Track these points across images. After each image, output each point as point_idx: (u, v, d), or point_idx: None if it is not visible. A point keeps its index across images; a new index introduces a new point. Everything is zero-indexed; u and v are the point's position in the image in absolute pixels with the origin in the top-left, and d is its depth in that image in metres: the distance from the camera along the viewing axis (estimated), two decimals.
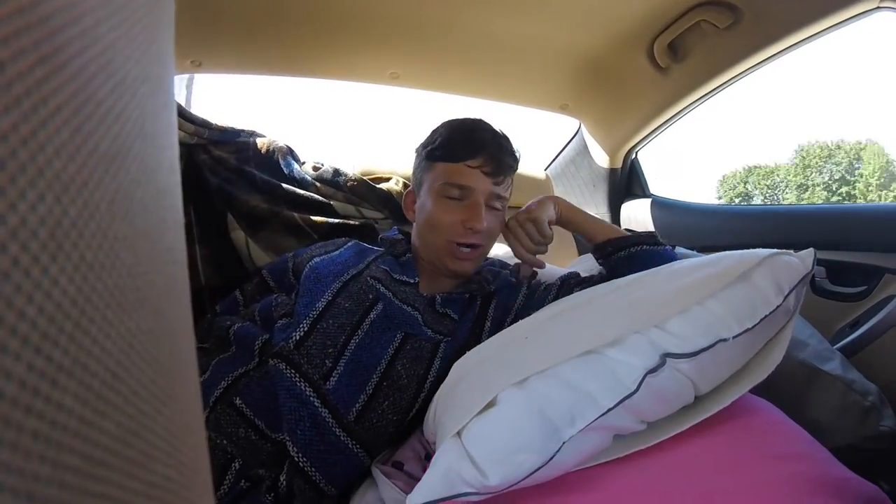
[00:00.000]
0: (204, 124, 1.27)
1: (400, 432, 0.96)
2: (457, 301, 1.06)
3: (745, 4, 1.29)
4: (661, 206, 1.93)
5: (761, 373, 0.75)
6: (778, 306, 0.73)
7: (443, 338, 0.99)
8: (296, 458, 0.82)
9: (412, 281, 1.07)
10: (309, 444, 0.83)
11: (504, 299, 1.10)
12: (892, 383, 0.99)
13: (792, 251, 0.82)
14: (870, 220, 1.24)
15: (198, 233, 1.30)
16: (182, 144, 1.25)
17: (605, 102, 1.91)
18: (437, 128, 1.15)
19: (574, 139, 2.22)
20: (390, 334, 0.96)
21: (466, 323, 1.04)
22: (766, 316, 0.72)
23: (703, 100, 1.64)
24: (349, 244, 1.15)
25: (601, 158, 2.09)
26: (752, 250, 0.81)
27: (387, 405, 0.91)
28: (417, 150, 1.17)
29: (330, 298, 0.96)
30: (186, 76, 1.68)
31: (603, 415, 0.64)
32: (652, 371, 0.67)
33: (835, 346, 1.14)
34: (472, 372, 0.81)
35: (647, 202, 1.99)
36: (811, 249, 0.82)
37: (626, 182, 2.12)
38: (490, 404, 0.70)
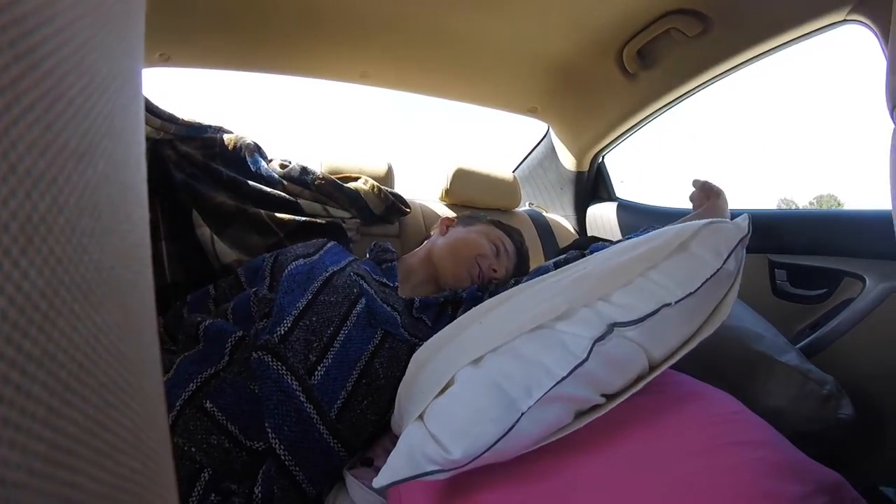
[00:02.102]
0: (171, 119, 1.25)
1: (377, 434, 0.96)
2: (432, 306, 1.11)
3: (715, 13, 1.32)
4: (627, 210, 1.96)
5: (707, 329, 0.78)
6: (718, 269, 0.76)
7: (418, 341, 0.99)
8: (282, 456, 0.80)
9: (391, 284, 1.13)
10: (294, 441, 0.82)
11: (471, 307, 1.12)
12: (850, 382, 1.01)
13: (727, 219, 0.85)
14: (830, 225, 1.27)
15: (164, 229, 1.28)
16: (147, 139, 1.23)
17: (573, 107, 1.93)
18: None
19: (542, 142, 2.24)
20: (371, 331, 0.97)
21: (439, 329, 1.05)
22: (707, 279, 0.75)
23: (670, 106, 1.67)
24: (329, 246, 1.16)
25: (568, 162, 2.11)
26: (689, 223, 0.84)
27: (366, 404, 0.91)
28: (482, 216, 1.49)
29: (311, 297, 0.96)
30: None
31: (558, 384, 0.65)
32: (600, 339, 0.69)
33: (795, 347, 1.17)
34: (431, 359, 0.81)
35: (612, 205, 2.02)
36: (745, 214, 0.85)
37: (592, 185, 2.15)
38: (448, 384, 0.71)
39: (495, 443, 0.62)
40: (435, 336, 0.87)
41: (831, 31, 1.18)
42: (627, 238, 1.15)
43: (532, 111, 2.04)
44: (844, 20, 1.12)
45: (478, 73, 1.78)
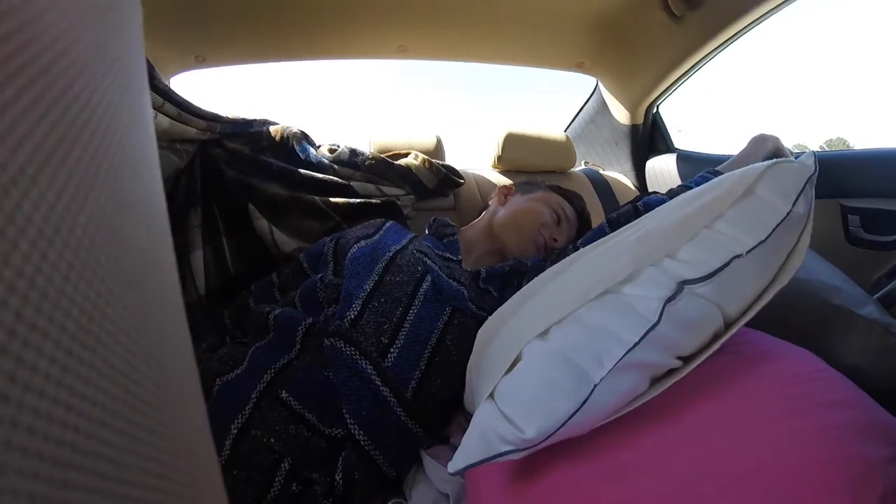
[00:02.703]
0: (215, 118, 1.26)
1: (453, 412, 0.96)
2: (497, 276, 1.10)
3: None
4: (687, 160, 1.89)
5: (783, 278, 0.74)
6: (788, 213, 0.72)
7: (486, 314, 0.97)
8: (361, 442, 0.81)
9: (455, 258, 1.13)
10: (373, 425, 0.82)
11: (535, 275, 1.10)
12: None
13: (792, 158, 0.80)
14: None
15: (223, 226, 1.30)
16: (195, 141, 1.25)
17: (621, 57, 1.86)
18: None
19: (592, 98, 2.18)
20: (440, 307, 0.96)
21: (506, 300, 1.04)
22: (777, 225, 0.71)
23: (721, 48, 1.60)
24: (388, 225, 1.17)
25: (622, 115, 2.05)
26: (752, 165, 0.80)
27: (440, 383, 0.91)
28: (540, 182, 1.47)
29: (377, 278, 0.96)
30: None
31: (630, 350, 0.62)
32: (670, 299, 0.65)
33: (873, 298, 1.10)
34: (496, 334, 0.80)
35: (672, 157, 1.95)
36: (810, 151, 0.82)
37: (648, 138, 2.08)
38: (516, 360, 0.69)
39: (569, 418, 0.59)
40: (498, 311, 0.86)
41: None
42: (683, 186, 1.12)
43: (579, 66, 1.98)
44: None
45: (519, 32, 1.74)
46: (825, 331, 0.96)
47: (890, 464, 0.54)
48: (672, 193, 1.14)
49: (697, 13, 1.51)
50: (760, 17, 1.40)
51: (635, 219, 1.08)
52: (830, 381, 0.68)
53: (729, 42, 1.56)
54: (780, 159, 0.79)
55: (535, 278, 0.89)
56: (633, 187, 2.09)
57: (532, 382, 0.65)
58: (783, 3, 1.33)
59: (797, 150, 1.23)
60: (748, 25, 1.46)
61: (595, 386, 0.61)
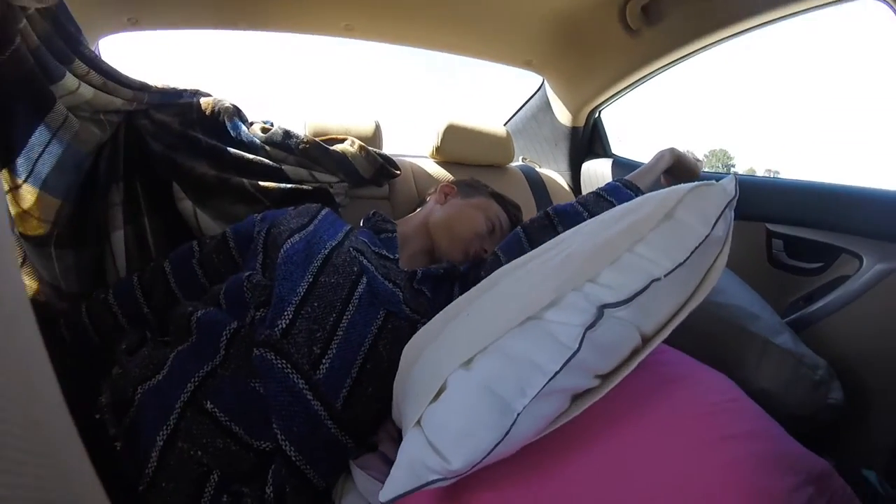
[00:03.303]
0: (142, 87, 1.18)
1: (382, 417, 0.94)
2: (432, 277, 1.08)
3: None
4: (622, 167, 1.91)
5: (698, 297, 0.76)
6: (707, 235, 0.73)
7: (419, 318, 0.96)
8: (292, 457, 0.78)
9: (392, 256, 1.10)
10: (303, 440, 0.80)
11: (467, 282, 1.10)
12: (838, 360, 1.01)
13: (714, 181, 0.81)
14: (832, 200, 1.24)
15: (146, 204, 1.22)
16: (120, 112, 1.17)
17: (570, 60, 1.86)
18: None
19: (536, 95, 2.18)
20: (374, 311, 0.93)
21: (438, 303, 1.01)
22: (696, 247, 0.72)
23: (671, 65, 1.62)
24: (323, 213, 1.11)
25: (564, 117, 2.06)
26: (673, 188, 0.81)
27: (371, 391, 0.88)
28: (482, 187, 1.45)
29: (311, 280, 0.92)
30: None
31: (551, 379, 0.63)
32: (591, 326, 0.66)
33: (787, 319, 1.17)
34: (422, 355, 0.79)
35: (608, 162, 1.97)
36: (731, 175, 0.81)
37: (587, 141, 2.10)
38: (442, 388, 0.69)
39: (494, 447, 0.61)
40: (422, 330, 0.84)
41: (847, 4, 1.13)
42: (593, 193, 1.19)
43: (527, 64, 1.97)
44: None
45: (471, 23, 1.70)
46: (741, 356, 1.01)
47: (793, 493, 0.58)
48: (582, 201, 1.17)
49: (654, 29, 1.52)
50: (719, 40, 1.43)
51: (551, 228, 1.12)
52: (742, 411, 0.71)
53: (682, 60, 1.58)
54: (700, 182, 0.80)
55: (460, 297, 0.87)
56: (567, 188, 2.10)
57: (457, 414, 0.65)
58: (745, 30, 1.35)
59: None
60: (704, 47, 1.48)
61: (518, 415, 0.62)
